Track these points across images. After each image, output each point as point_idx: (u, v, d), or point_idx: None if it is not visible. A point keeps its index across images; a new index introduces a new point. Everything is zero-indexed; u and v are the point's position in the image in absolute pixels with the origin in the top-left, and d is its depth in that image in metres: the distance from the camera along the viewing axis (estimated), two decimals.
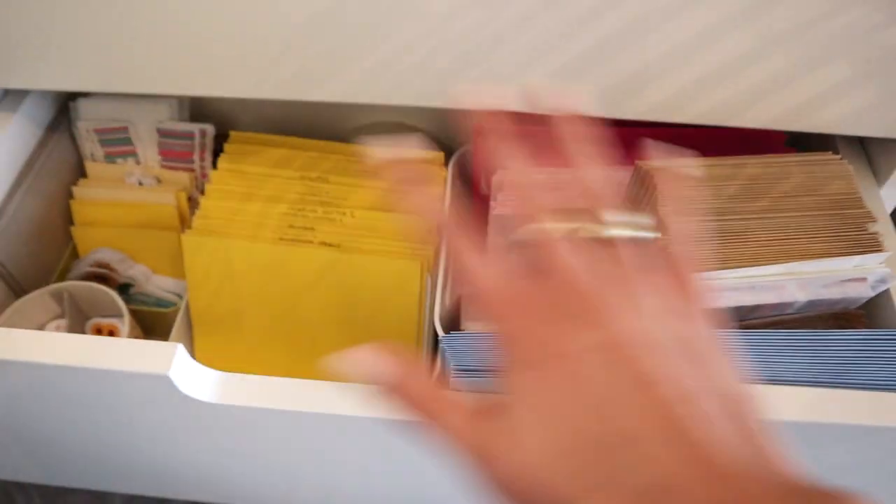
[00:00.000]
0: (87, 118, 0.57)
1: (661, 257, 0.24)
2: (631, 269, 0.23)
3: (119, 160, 0.58)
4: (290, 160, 0.55)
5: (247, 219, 0.52)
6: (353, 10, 0.41)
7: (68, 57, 0.46)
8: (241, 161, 0.55)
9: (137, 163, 0.58)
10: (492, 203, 0.49)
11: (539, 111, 0.25)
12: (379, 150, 0.26)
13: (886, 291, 0.43)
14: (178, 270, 0.57)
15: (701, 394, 0.21)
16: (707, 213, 0.42)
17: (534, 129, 0.46)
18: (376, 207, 0.52)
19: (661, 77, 0.44)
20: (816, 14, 0.39)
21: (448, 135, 0.62)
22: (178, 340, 0.44)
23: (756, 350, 0.40)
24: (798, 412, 0.36)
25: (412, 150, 0.26)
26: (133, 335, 0.52)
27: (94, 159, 0.58)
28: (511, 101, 0.25)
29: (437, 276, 0.50)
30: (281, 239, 0.51)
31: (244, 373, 0.39)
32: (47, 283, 0.54)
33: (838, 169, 0.44)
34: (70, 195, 0.58)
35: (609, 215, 0.23)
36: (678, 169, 0.28)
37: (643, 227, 0.24)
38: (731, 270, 0.41)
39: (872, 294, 0.43)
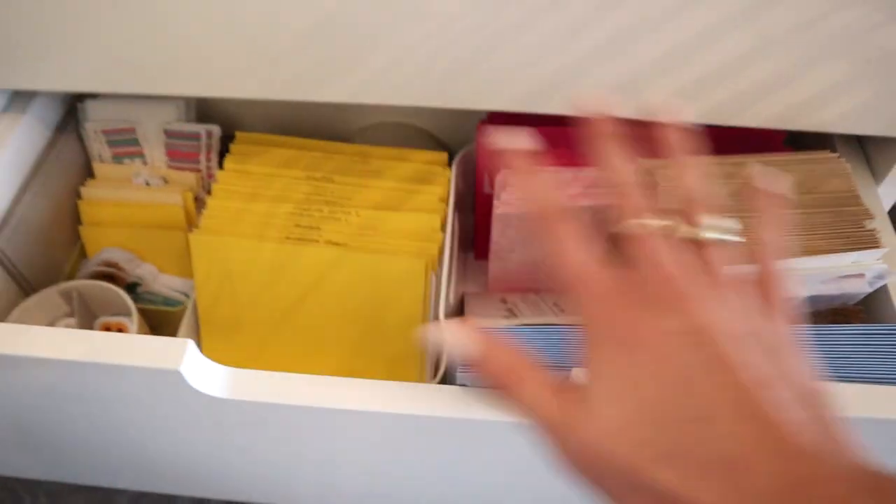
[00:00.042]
0: (95, 119, 0.58)
1: (745, 259, 0.26)
2: (718, 268, 0.24)
3: (126, 161, 0.59)
4: (296, 160, 0.56)
5: (253, 218, 0.52)
6: (359, 13, 0.42)
7: (76, 58, 0.47)
8: (246, 161, 0.56)
9: (144, 163, 0.59)
10: (495, 202, 0.50)
11: (650, 119, 0.28)
12: (499, 138, 0.28)
13: (884, 287, 0.44)
14: (185, 270, 0.58)
15: (777, 382, 0.22)
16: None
17: (549, 129, 0.47)
18: (381, 207, 0.53)
19: (661, 77, 0.44)
20: (815, 14, 0.39)
21: (451, 135, 0.63)
22: (186, 338, 0.44)
23: None
24: None
25: (526, 139, 0.28)
26: (141, 333, 0.52)
27: (101, 160, 0.59)
28: (620, 108, 0.28)
29: (441, 273, 0.51)
30: (287, 238, 0.51)
31: (252, 369, 0.40)
32: (56, 283, 0.54)
33: (836, 167, 0.45)
34: (78, 195, 0.58)
35: (706, 219, 0.25)
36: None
37: (732, 232, 0.26)
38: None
39: (870, 290, 0.44)
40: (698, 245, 0.25)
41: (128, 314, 0.52)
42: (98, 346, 0.38)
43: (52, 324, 0.54)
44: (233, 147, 0.57)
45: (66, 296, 0.53)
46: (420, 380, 0.52)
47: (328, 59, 0.45)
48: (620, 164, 0.27)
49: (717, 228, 0.25)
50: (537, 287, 0.58)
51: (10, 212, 0.52)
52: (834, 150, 0.48)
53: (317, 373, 0.39)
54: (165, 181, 0.59)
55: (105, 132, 0.58)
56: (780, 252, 0.27)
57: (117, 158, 0.59)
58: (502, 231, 0.52)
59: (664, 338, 0.23)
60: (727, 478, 0.20)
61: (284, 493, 0.54)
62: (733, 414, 0.21)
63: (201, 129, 0.58)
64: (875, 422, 0.36)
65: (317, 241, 0.51)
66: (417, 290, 0.51)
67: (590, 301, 0.24)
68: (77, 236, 0.59)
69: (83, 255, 0.59)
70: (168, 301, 0.57)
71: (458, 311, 0.57)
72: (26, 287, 0.54)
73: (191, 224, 0.58)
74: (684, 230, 0.25)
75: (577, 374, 0.24)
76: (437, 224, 0.52)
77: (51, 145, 0.56)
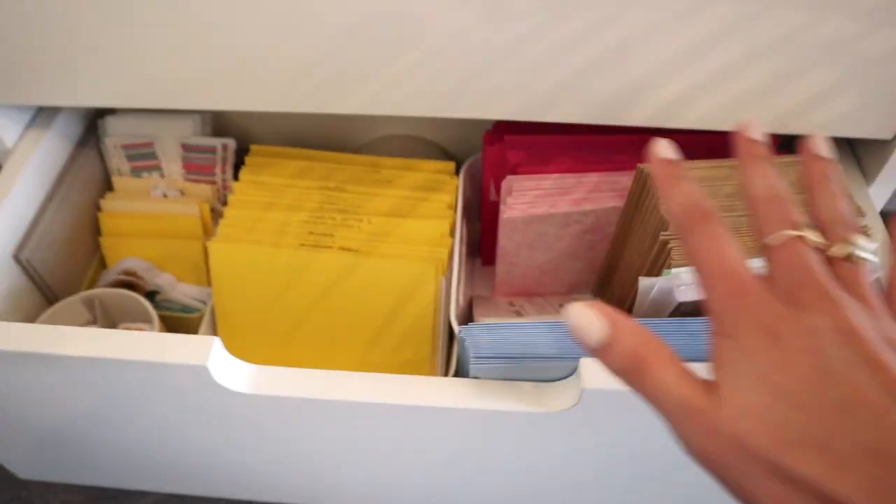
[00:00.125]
0: (115, 134, 0.60)
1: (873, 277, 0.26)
2: (865, 283, 0.25)
3: (144, 174, 0.61)
4: (309, 171, 0.58)
5: (269, 226, 0.54)
6: (372, 29, 0.44)
7: (97, 75, 0.49)
8: (261, 172, 0.58)
9: (162, 176, 0.61)
10: (502, 207, 0.52)
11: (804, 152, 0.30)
12: (662, 149, 0.29)
13: (876, 280, 0.46)
14: (202, 278, 0.60)
15: None
16: None
17: (553, 137, 0.48)
18: (392, 214, 0.55)
19: (658, 86, 0.46)
20: (799, 25, 0.42)
21: (457, 146, 0.65)
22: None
23: None
24: None
25: (668, 147, 0.29)
26: None
27: (120, 174, 0.61)
28: (763, 134, 0.30)
29: (450, 277, 0.53)
30: (302, 245, 0.53)
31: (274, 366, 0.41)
32: (77, 291, 0.56)
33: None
34: (98, 208, 0.60)
35: (860, 239, 0.26)
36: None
37: (873, 252, 0.26)
38: None
39: None
40: (835, 262, 0.26)
41: (148, 321, 0.54)
42: (127, 343, 0.40)
43: None
44: (248, 159, 0.59)
45: (89, 303, 0.55)
46: None
47: (342, 73, 0.47)
48: (776, 181, 0.28)
49: (867, 249, 0.26)
50: (543, 290, 0.60)
51: (35, 223, 0.54)
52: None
53: None
54: (182, 193, 0.61)
55: (124, 147, 0.60)
56: None
57: (136, 172, 0.61)
58: (508, 235, 0.54)
59: (810, 333, 0.23)
60: (875, 469, 0.20)
61: (304, 491, 0.56)
62: (885, 404, 0.21)
63: (217, 142, 0.60)
64: None
65: (330, 248, 0.53)
66: (428, 294, 0.52)
67: (735, 293, 0.24)
68: (97, 247, 0.61)
69: (103, 265, 0.61)
70: (186, 308, 0.59)
71: (468, 314, 0.59)
72: (50, 296, 0.56)
73: (207, 234, 0.60)
74: (838, 247, 0.26)
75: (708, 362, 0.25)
76: (447, 230, 0.54)
77: (72, 159, 0.58)
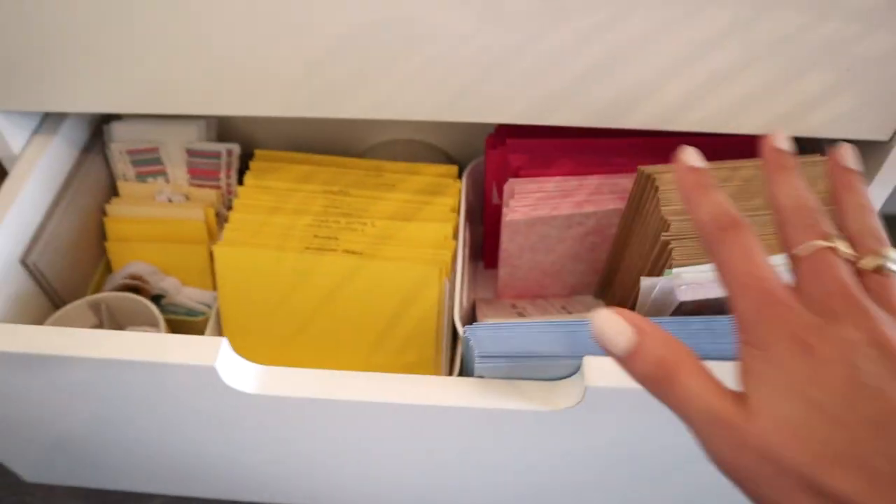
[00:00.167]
0: (120, 140, 0.61)
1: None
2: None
3: (149, 179, 0.62)
4: (313, 175, 0.58)
5: (274, 230, 0.55)
6: (376, 33, 0.45)
7: (103, 82, 0.50)
8: (266, 177, 0.58)
9: (167, 181, 0.62)
10: (504, 209, 0.53)
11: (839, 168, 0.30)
12: (689, 157, 0.29)
13: None
14: (207, 282, 0.61)
15: None
16: None
17: (554, 140, 0.49)
18: (395, 217, 0.56)
19: (657, 89, 0.47)
20: (796, 28, 0.42)
21: (459, 150, 0.66)
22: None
23: None
24: None
25: (696, 157, 0.29)
26: None
27: (125, 179, 0.62)
28: (790, 144, 0.30)
29: (454, 280, 0.53)
30: (306, 248, 0.54)
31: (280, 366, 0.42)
32: (83, 295, 0.57)
33: (826, 169, 0.48)
34: (104, 213, 0.61)
35: (891, 252, 0.26)
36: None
37: None
38: None
39: None
40: (864, 274, 0.25)
41: (154, 324, 0.54)
42: (134, 344, 0.40)
43: None
44: (253, 164, 0.60)
45: (95, 307, 0.56)
46: None
47: (345, 78, 0.48)
48: (804, 191, 0.28)
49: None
50: (545, 292, 0.61)
51: (42, 228, 0.55)
52: (824, 154, 0.51)
53: None
54: (187, 198, 0.61)
55: (129, 152, 0.61)
56: None
57: (141, 177, 0.62)
58: (511, 237, 0.54)
59: (843, 345, 0.22)
60: None
61: (307, 492, 0.56)
62: None
63: (221, 147, 0.61)
64: None
65: (335, 251, 0.54)
66: (432, 296, 0.53)
67: (766, 303, 0.24)
68: (103, 252, 0.61)
69: (109, 269, 0.62)
70: (191, 312, 0.59)
71: (471, 316, 0.59)
72: (56, 300, 0.57)
73: (212, 238, 0.60)
74: (868, 259, 0.25)
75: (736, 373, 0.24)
76: (450, 232, 0.55)
77: (78, 165, 0.59)
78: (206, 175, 0.62)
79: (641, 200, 0.49)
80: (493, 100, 0.49)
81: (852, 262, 0.25)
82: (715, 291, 0.43)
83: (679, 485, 0.51)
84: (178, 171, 0.62)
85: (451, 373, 0.55)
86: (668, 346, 0.24)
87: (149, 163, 0.61)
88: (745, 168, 0.47)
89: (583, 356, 0.39)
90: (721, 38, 0.44)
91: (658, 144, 0.54)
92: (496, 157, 0.56)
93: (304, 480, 0.54)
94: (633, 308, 0.48)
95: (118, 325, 0.57)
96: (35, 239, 0.54)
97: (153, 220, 0.60)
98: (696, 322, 0.41)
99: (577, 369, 0.40)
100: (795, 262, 0.26)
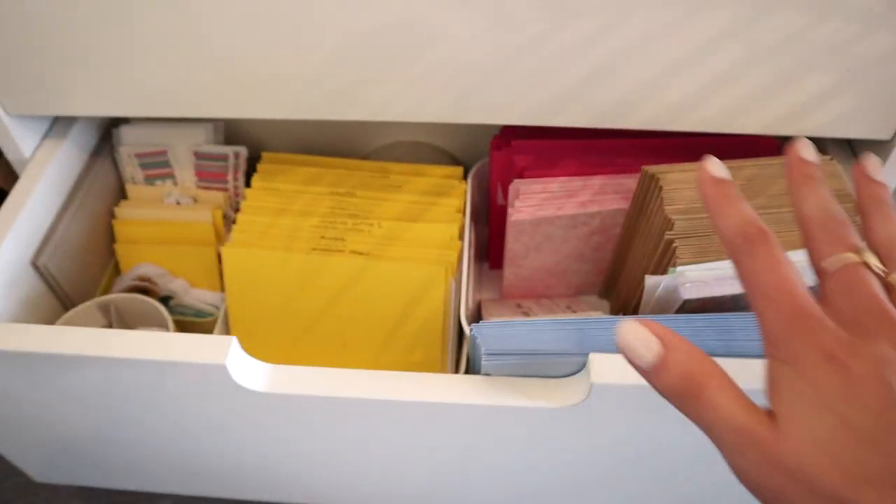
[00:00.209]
0: (129, 143, 0.61)
1: None
2: None
3: (158, 182, 0.63)
4: (320, 177, 0.59)
5: (281, 231, 0.55)
6: (382, 36, 0.45)
7: (112, 86, 0.50)
8: (273, 179, 0.59)
9: (175, 184, 0.63)
10: (509, 210, 0.53)
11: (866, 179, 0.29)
12: (715, 168, 0.28)
13: None
14: (215, 283, 0.61)
15: None
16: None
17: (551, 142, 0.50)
18: (402, 218, 0.56)
19: (660, 90, 0.48)
20: (797, 28, 0.43)
21: (464, 151, 0.66)
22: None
23: (757, 336, 0.43)
24: None
25: (720, 168, 0.28)
26: None
27: (134, 182, 0.63)
28: (816, 154, 0.29)
29: (460, 280, 0.54)
30: (313, 249, 0.55)
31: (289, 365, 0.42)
32: (92, 297, 0.57)
33: (829, 169, 0.48)
34: (112, 215, 0.62)
35: None
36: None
37: None
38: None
39: None
40: (893, 290, 0.25)
41: (163, 325, 0.55)
42: (146, 343, 0.41)
43: None
44: (260, 166, 0.60)
45: (104, 309, 0.56)
46: None
47: (352, 81, 0.48)
48: (831, 203, 0.27)
49: None
50: (550, 292, 0.61)
51: (52, 230, 0.55)
52: (826, 153, 0.51)
53: None
54: (195, 200, 0.62)
55: (138, 155, 0.61)
56: None
57: (149, 180, 0.63)
58: (516, 237, 0.55)
59: (876, 362, 0.22)
60: None
61: (313, 490, 0.57)
62: None
63: (229, 150, 0.62)
64: None
65: (342, 252, 0.54)
66: (438, 296, 0.53)
67: (795, 318, 0.23)
68: (112, 254, 0.62)
69: (118, 271, 0.62)
70: (199, 313, 0.60)
71: (476, 316, 0.60)
72: (66, 301, 0.57)
73: (220, 240, 0.61)
74: None
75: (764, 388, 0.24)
76: (456, 233, 0.55)
77: (87, 168, 0.60)
78: (213, 177, 0.62)
79: (645, 200, 0.49)
80: (497, 101, 0.49)
81: (882, 277, 0.25)
82: (719, 289, 0.43)
83: (685, 484, 0.51)
84: (185, 173, 0.62)
85: (457, 372, 0.55)
86: (696, 359, 0.24)
87: (157, 166, 0.62)
88: (747, 167, 0.48)
89: (589, 353, 0.40)
90: (722, 39, 0.44)
91: (661, 144, 0.55)
92: (501, 158, 0.56)
93: (310, 479, 0.54)
94: (637, 306, 0.49)
95: (127, 326, 0.57)
96: (45, 241, 0.55)
97: (161, 223, 0.61)
98: (701, 319, 0.41)
99: (582, 366, 0.41)
100: (823, 275, 0.25)
